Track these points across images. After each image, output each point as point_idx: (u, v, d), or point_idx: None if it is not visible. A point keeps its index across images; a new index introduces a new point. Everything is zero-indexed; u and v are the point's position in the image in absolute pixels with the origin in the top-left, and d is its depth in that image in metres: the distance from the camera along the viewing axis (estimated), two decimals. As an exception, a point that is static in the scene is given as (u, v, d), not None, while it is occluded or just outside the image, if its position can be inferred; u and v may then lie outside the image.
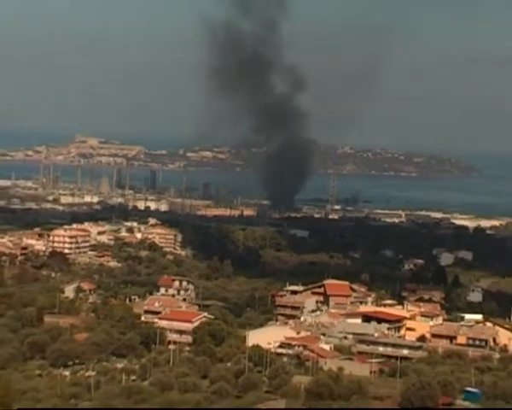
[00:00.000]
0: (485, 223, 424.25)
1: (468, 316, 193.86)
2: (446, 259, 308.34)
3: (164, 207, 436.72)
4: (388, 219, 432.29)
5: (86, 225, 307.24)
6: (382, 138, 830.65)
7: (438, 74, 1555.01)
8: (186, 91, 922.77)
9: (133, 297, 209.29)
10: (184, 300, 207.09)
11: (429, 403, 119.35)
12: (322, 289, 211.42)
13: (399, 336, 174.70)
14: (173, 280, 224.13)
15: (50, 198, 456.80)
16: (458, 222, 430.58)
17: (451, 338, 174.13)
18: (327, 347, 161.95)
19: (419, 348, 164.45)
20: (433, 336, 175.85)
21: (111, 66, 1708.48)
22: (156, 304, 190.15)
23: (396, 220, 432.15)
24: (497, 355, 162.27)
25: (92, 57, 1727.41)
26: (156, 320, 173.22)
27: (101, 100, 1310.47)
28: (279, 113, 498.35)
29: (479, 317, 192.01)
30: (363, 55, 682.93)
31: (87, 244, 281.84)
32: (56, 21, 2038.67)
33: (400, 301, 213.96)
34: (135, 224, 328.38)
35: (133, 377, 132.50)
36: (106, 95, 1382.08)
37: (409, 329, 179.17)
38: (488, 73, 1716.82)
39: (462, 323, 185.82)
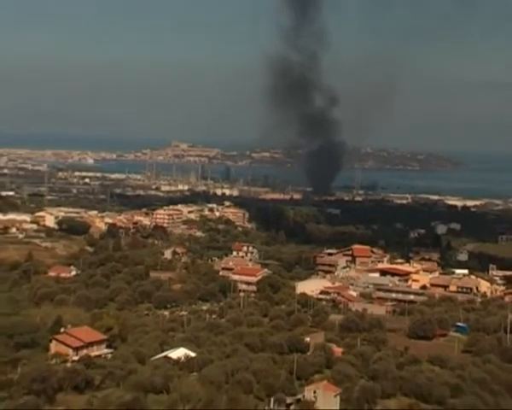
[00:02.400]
0: (469, 202, 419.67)
1: (457, 271, 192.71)
2: (441, 229, 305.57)
3: (235, 193, 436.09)
4: (398, 201, 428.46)
5: (179, 206, 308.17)
6: (394, 141, 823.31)
7: (436, 93, 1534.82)
8: (250, 107, 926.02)
9: (214, 258, 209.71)
10: (250, 260, 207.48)
11: (429, 334, 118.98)
12: (350, 252, 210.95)
13: (407, 286, 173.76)
14: (242, 246, 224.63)
15: (153, 187, 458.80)
16: (450, 202, 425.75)
17: (445, 287, 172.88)
18: (354, 293, 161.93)
19: (421, 294, 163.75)
20: (432, 285, 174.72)
21: (196, 90, 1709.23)
22: (230, 263, 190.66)
23: (404, 202, 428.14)
24: (479, 299, 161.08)
25: (182, 85, 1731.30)
26: (230, 275, 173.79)
27: (189, 115, 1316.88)
28: (318, 122, 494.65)
29: (465, 271, 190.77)
30: (381, 78, 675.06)
31: (180, 220, 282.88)
32: (159, 59, 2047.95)
33: (407, 260, 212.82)
34: (214, 205, 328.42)
35: (214, 316, 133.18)
36: (193, 111, 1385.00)
37: (414, 280, 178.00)
38: (476, 92, 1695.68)
39: (453, 276, 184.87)
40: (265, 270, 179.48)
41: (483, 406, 78.10)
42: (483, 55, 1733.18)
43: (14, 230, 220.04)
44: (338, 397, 77.76)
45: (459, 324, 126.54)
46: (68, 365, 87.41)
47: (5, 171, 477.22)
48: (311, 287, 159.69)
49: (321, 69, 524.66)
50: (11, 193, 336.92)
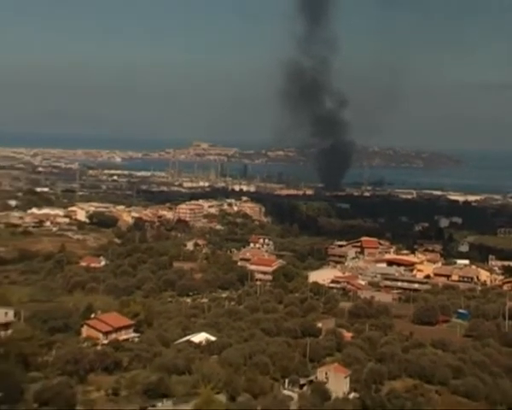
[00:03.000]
0: (470, 197, 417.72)
1: (459, 261, 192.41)
2: (444, 222, 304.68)
3: (252, 189, 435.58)
4: (404, 196, 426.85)
5: (200, 202, 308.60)
6: (400, 140, 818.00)
7: (439, 95, 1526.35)
8: (265, 109, 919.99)
9: (232, 249, 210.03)
10: (266, 251, 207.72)
11: (432, 320, 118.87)
12: (359, 244, 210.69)
13: (412, 275, 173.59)
14: (259, 238, 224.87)
15: (176, 183, 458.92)
16: (452, 197, 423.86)
17: (448, 276, 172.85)
18: (363, 282, 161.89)
19: (425, 283, 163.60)
20: (435, 275, 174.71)
21: (214, 96, 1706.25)
22: (248, 254, 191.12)
23: (409, 197, 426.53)
24: (479, 288, 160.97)
25: (203, 91, 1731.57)
26: (248, 265, 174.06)
27: (209, 118, 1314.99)
28: (329, 123, 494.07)
29: (466, 262, 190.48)
30: (387, 81, 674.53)
31: (201, 214, 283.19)
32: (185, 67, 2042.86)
33: (412, 251, 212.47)
34: (233, 200, 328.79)
35: (233, 303, 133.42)
36: (212, 114, 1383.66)
37: (418, 270, 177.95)
38: (476, 93, 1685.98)
39: (455, 266, 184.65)
40: (280, 260, 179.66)
41: (483, 386, 78.24)
42: (483, 58, 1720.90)
43: (48, 223, 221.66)
44: (348, 378, 78.14)
45: (460, 310, 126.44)
46: (98, 348, 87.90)
47: (40, 169, 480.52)
48: (322, 276, 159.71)
49: (331, 73, 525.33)
50: (46, 189, 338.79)
